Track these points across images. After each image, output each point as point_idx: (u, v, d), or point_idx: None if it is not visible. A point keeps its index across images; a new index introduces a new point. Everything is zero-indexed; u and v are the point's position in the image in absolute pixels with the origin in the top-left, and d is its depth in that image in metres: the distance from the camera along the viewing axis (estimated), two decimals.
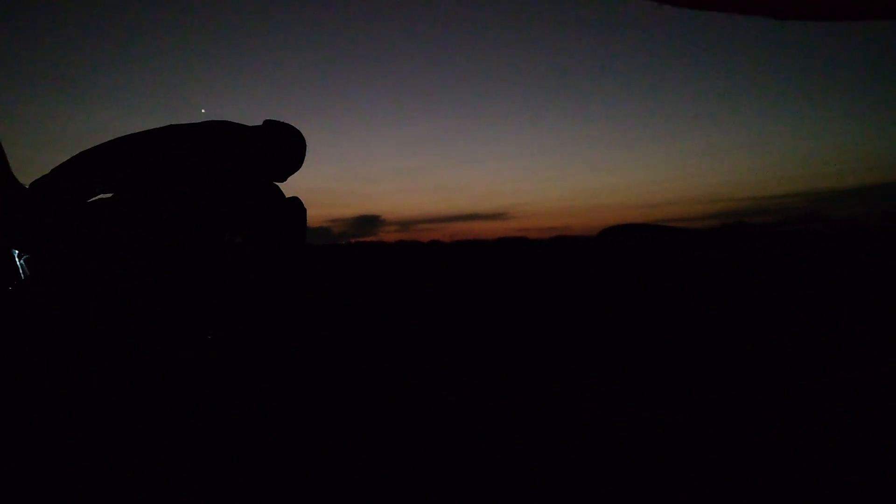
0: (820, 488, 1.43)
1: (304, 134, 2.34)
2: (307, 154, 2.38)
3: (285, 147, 2.26)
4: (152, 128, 2.14)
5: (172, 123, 2.16)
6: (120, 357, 1.88)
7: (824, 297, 4.08)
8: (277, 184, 2.28)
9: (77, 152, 2.13)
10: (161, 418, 1.96)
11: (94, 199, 2.08)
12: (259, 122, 2.33)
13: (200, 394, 2.26)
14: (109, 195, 2.05)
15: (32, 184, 2.13)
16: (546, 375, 2.85)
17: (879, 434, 1.69)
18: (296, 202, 2.25)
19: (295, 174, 2.36)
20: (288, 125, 2.31)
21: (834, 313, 3.49)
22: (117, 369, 1.91)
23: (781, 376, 2.04)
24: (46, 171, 2.13)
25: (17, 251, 2.01)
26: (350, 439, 1.88)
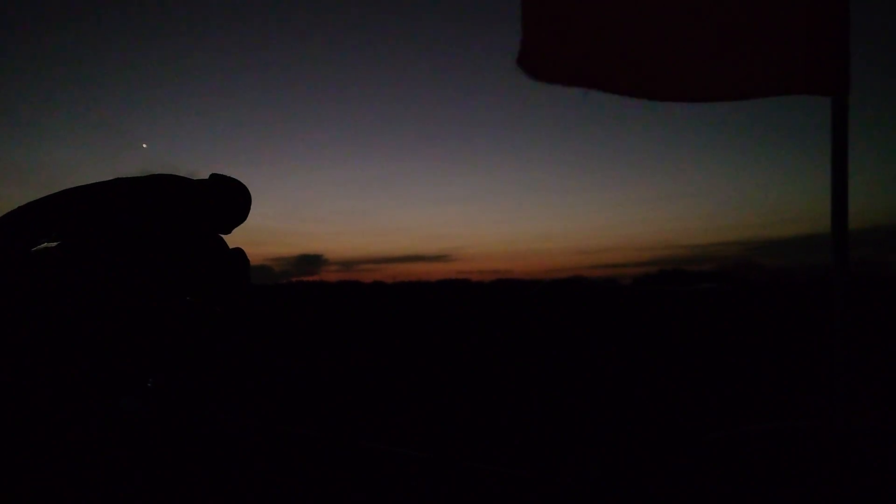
0: (820, 488, 1.42)
1: (247, 170, 2.35)
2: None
3: (232, 202, 2.29)
4: (99, 181, 2.16)
5: (119, 176, 2.17)
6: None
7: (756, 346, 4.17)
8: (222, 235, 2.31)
9: (20, 184, 2.09)
10: (161, 418, 1.96)
11: (38, 248, 2.07)
12: (204, 166, 2.33)
13: (201, 394, 2.27)
14: (54, 244, 2.04)
15: None
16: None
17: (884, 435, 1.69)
18: (238, 253, 2.27)
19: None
20: (235, 180, 2.34)
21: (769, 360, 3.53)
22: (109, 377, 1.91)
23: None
24: None
25: None
26: (350, 439, 1.88)
